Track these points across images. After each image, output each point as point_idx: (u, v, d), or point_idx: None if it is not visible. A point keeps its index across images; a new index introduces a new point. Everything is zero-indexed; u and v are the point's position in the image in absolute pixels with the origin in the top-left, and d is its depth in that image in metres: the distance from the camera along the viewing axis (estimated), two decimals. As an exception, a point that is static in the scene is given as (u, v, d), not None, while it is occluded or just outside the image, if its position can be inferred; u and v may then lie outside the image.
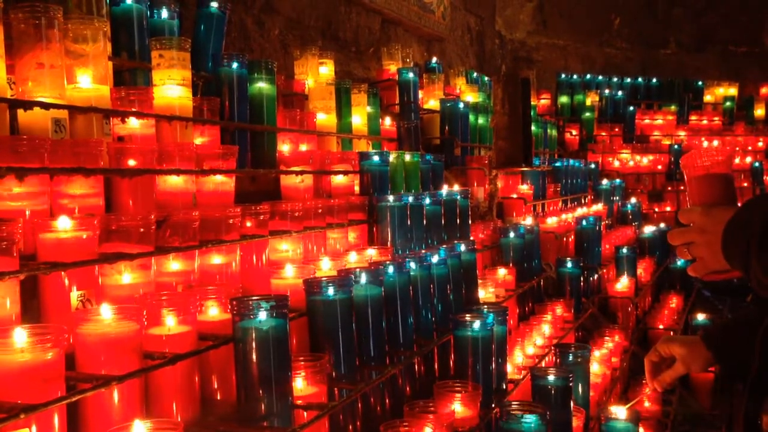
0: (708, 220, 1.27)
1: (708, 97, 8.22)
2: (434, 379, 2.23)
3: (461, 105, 4.00)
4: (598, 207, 5.41)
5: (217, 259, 1.92)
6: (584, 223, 4.07)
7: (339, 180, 2.65)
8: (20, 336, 1.25)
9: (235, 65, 2.33)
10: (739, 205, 1.27)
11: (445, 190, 3.10)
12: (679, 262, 5.25)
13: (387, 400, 2.01)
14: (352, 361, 1.81)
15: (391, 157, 2.80)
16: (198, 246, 1.80)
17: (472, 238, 2.99)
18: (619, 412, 2.59)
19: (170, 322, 1.56)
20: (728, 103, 8.07)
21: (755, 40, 8.55)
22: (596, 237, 4.07)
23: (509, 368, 2.39)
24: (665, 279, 5.18)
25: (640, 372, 3.82)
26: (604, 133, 7.13)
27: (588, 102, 7.12)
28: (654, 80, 8.03)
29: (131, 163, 1.77)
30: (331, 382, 1.74)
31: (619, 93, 7.54)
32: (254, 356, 1.48)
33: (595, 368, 3.03)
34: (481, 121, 4.31)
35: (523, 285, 3.17)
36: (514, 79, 5.99)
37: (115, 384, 1.35)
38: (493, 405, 2.12)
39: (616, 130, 7.24)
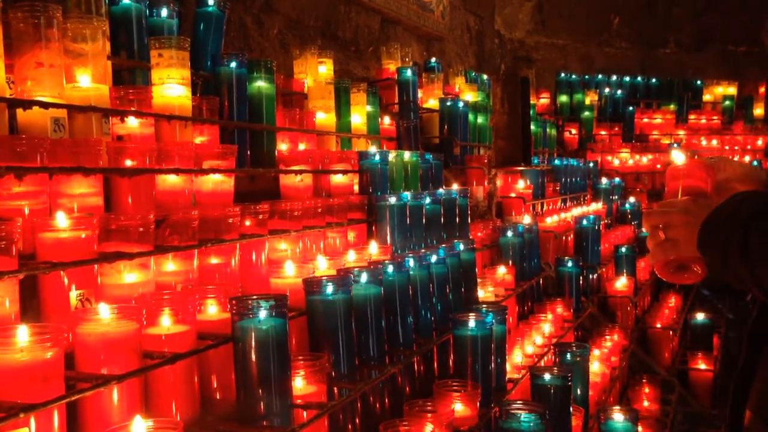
0: (694, 205, 1.26)
1: (707, 97, 8.22)
2: (434, 378, 2.23)
3: (460, 104, 4.00)
4: (598, 206, 5.42)
5: (216, 258, 1.92)
6: (583, 222, 4.07)
7: (338, 179, 2.65)
8: (20, 335, 1.25)
9: (234, 64, 2.33)
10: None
11: (444, 189, 3.10)
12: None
13: (386, 400, 2.01)
14: (351, 360, 1.81)
15: (391, 157, 2.80)
16: (197, 245, 1.80)
17: (471, 238, 2.99)
18: None
19: (169, 322, 1.56)
20: (727, 103, 8.07)
21: (755, 39, 8.54)
22: (595, 236, 4.07)
23: (508, 367, 2.39)
24: (664, 278, 5.17)
25: (639, 371, 3.84)
26: (603, 133, 7.13)
27: (587, 101, 7.12)
28: (653, 80, 8.03)
29: (130, 162, 1.77)
30: (330, 382, 1.74)
31: (619, 92, 7.55)
32: (254, 356, 1.48)
33: (595, 367, 3.04)
34: (480, 120, 4.31)
35: (523, 284, 3.17)
36: (514, 78, 6.00)
37: (114, 383, 1.35)
38: (492, 404, 2.12)
39: (616, 129, 7.24)
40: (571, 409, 2.35)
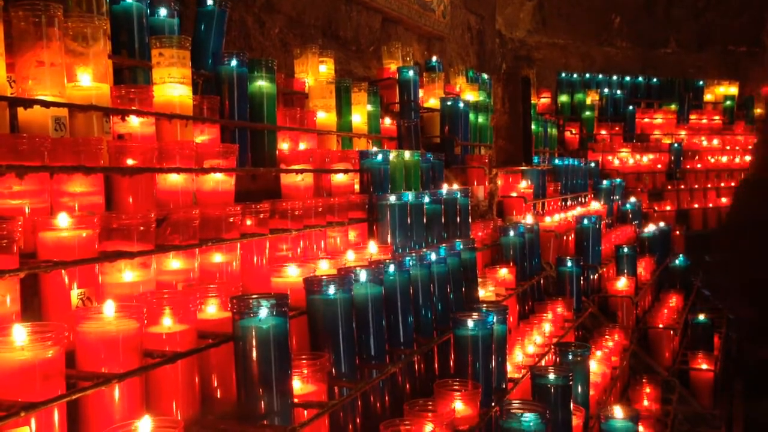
0: None
1: (708, 96, 8.23)
2: (434, 377, 2.23)
3: (461, 104, 4.00)
4: (598, 206, 5.42)
5: (217, 257, 1.92)
6: (584, 221, 4.07)
7: (339, 179, 2.65)
8: (20, 334, 1.25)
9: (235, 63, 2.33)
10: None
11: (445, 188, 3.10)
12: (679, 261, 5.26)
13: (387, 399, 2.01)
14: (352, 359, 1.81)
15: (392, 156, 2.79)
16: (198, 244, 1.79)
17: (472, 237, 2.99)
18: None
19: (170, 321, 1.55)
20: (728, 102, 8.07)
21: (755, 39, 8.54)
22: (596, 236, 4.07)
23: (509, 367, 2.39)
24: (665, 278, 5.18)
25: (640, 371, 3.84)
26: (604, 132, 7.13)
27: (588, 101, 7.12)
28: (654, 79, 8.03)
29: (131, 161, 1.77)
30: (331, 381, 1.74)
31: (619, 92, 7.55)
32: (254, 355, 1.48)
33: (595, 367, 3.03)
34: (481, 119, 4.31)
35: (523, 284, 3.17)
36: (514, 77, 5.98)
37: (115, 382, 1.35)
38: (493, 404, 2.12)
39: (616, 129, 7.24)
40: (571, 408, 2.35)
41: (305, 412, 1.56)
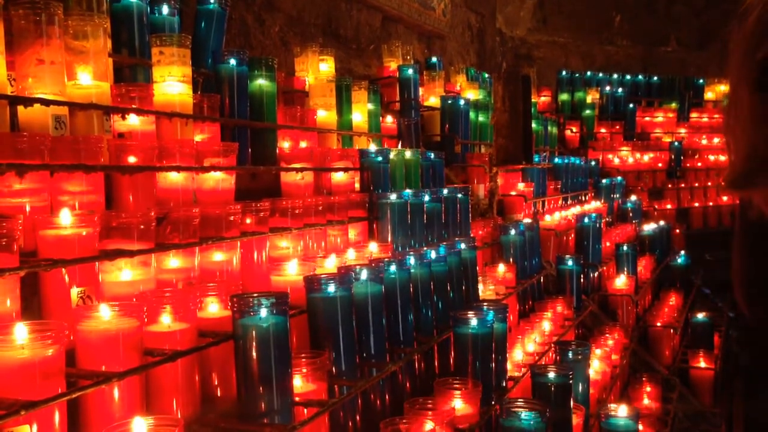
0: None
1: (709, 95, 8.21)
2: (434, 376, 2.23)
3: (462, 102, 4.00)
4: (599, 204, 5.42)
5: (217, 256, 1.92)
6: (584, 220, 4.08)
7: (339, 177, 2.65)
8: (21, 332, 1.25)
9: (235, 62, 2.33)
10: None
11: (445, 187, 3.10)
12: (679, 260, 5.26)
13: (387, 397, 2.01)
14: (352, 358, 1.81)
15: (392, 155, 2.79)
16: (198, 243, 1.80)
17: (472, 236, 2.99)
18: None
19: (170, 319, 1.56)
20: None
21: (756, 37, 8.51)
22: (596, 234, 4.07)
23: (509, 366, 2.39)
24: (665, 277, 5.18)
25: (640, 369, 3.84)
26: (604, 131, 7.12)
27: (588, 99, 7.11)
28: (655, 78, 8.01)
29: (131, 159, 1.77)
30: (331, 379, 1.74)
31: (620, 90, 7.53)
32: (254, 353, 1.49)
33: (596, 366, 3.03)
34: (481, 118, 4.31)
35: (524, 282, 3.17)
36: (515, 76, 5.99)
37: (115, 381, 1.35)
38: (493, 402, 2.12)
39: (617, 127, 7.23)
40: (571, 407, 2.35)
41: (305, 410, 1.56)
